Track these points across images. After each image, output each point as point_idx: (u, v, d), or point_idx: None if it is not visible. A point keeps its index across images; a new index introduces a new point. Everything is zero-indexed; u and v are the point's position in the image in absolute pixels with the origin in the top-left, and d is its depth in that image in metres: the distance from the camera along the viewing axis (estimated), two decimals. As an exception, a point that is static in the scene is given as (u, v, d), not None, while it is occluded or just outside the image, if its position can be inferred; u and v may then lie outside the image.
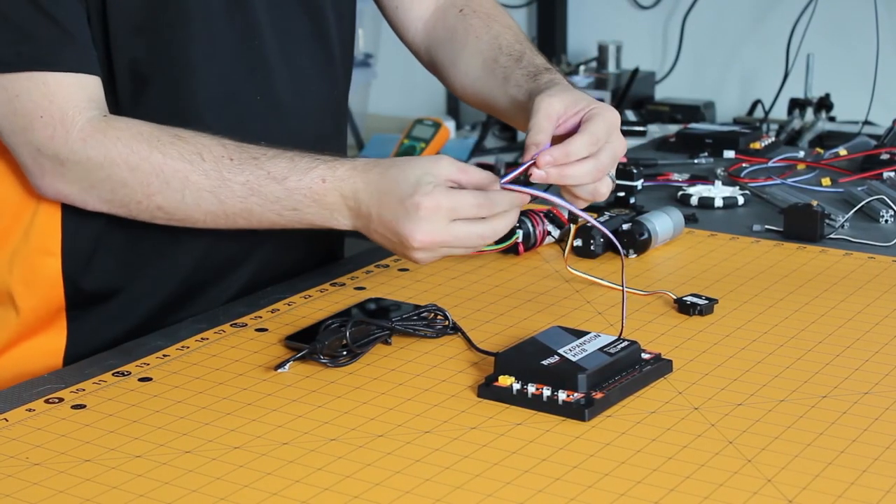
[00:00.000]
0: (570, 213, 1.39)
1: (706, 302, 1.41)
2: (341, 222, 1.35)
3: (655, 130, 2.58)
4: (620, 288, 1.36)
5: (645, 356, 1.27)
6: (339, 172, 1.33)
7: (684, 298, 1.42)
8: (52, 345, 1.46)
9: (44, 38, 1.34)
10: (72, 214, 1.43)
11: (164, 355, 1.33)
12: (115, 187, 1.35)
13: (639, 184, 1.78)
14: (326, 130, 1.55)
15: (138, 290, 1.47)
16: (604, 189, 1.36)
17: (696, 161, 2.04)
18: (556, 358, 1.22)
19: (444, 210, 1.28)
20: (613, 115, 1.37)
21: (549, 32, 3.10)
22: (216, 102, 1.44)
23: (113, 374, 1.28)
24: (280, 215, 1.35)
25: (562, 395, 1.18)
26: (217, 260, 1.50)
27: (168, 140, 1.35)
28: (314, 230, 1.47)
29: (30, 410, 1.21)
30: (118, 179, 1.35)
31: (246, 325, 1.40)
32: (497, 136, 2.85)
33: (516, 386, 1.20)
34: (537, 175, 1.31)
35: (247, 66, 1.47)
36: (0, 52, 1.34)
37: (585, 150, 1.33)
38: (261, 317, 1.43)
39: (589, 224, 1.32)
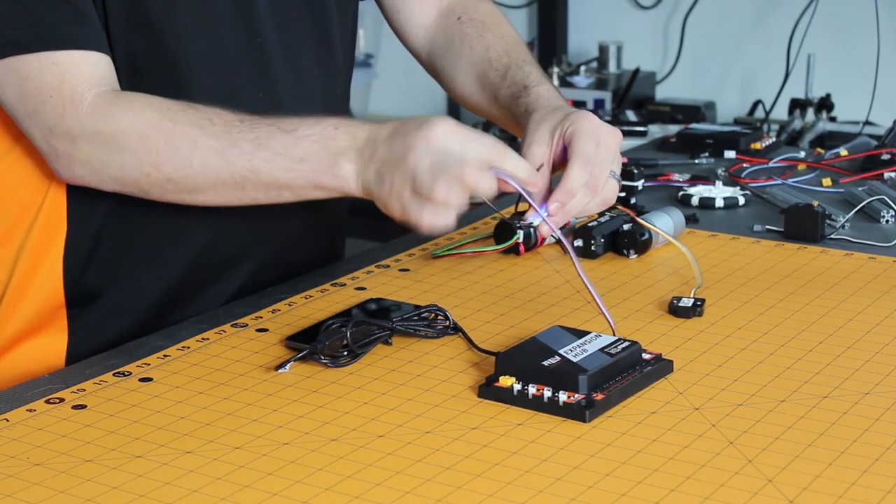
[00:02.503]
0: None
1: (690, 305, 1.40)
2: (344, 168, 1.30)
3: (656, 131, 2.59)
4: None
5: (646, 356, 1.26)
6: (354, 122, 1.33)
7: (673, 299, 1.41)
8: (53, 345, 1.46)
9: (55, 18, 1.34)
10: (74, 212, 1.43)
11: (165, 355, 1.33)
12: (124, 160, 1.34)
13: (639, 184, 1.78)
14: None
15: (139, 288, 1.47)
16: (610, 194, 1.37)
17: (696, 161, 2.04)
18: (557, 358, 1.22)
19: (457, 137, 1.26)
20: (589, 122, 1.36)
21: (550, 33, 3.10)
22: (217, 99, 1.44)
23: (113, 375, 1.28)
24: (286, 170, 1.31)
25: (562, 396, 1.18)
26: (217, 259, 1.50)
27: (179, 108, 1.34)
28: (315, 230, 1.47)
29: (30, 411, 1.21)
30: (128, 151, 1.34)
31: (247, 325, 1.40)
32: (497, 136, 2.85)
33: (517, 386, 1.20)
34: (545, 230, 1.33)
35: (250, 63, 1.47)
36: (12, 33, 1.33)
37: (584, 176, 1.34)
38: (261, 317, 1.43)
39: (558, 240, 1.34)
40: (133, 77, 1.40)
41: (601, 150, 1.35)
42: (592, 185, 1.35)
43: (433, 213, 1.27)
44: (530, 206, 1.33)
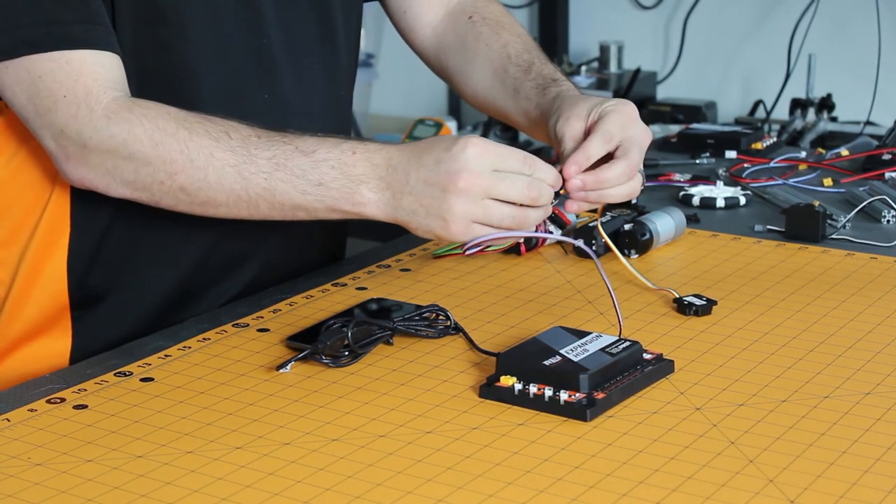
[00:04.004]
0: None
1: (704, 303, 1.41)
2: (366, 196, 1.30)
3: (657, 131, 2.58)
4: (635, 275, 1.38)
5: (646, 356, 1.27)
6: (369, 146, 1.32)
7: (683, 298, 1.42)
8: (58, 346, 1.46)
9: (69, 17, 1.33)
10: (78, 214, 1.43)
11: (166, 355, 1.33)
12: (137, 167, 1.33)
13: (640, 184, 1.78)
14: (331, 130, 1.55)
15: (143, 290, 1.47)
16: (637, 185, 1.39)
17: (697, 161, 2.04)
18: (558, 358, 1.22)
19: (491, 155, 1.27)
20: (627, 109, 1.40)
21: (551, 32, 3.10)
22: (222, 99, 1.44)
23: (115, 375, 1.29)
24: (304, 193, 1.31)
25: (563, 396, 1.18)
26: (219, 260, 1.50)
27: (195, 120, 1.33)
28: (316, 230, 1.47)
29: (32, 410, 1.21)
30: (141, 158, 1.33)
31: (248, 325, 1.40)
32: (498, 136, 2.86)
33: (518, 386, 1.20)
34: (574, 185, 1.34)
35: (255, 64, 1.46)
36: (24, 32, 1.32)
37: (602, 149, 1.36)
38: (262, 317, 1.43)
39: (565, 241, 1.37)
40: (139, 77, 1.40)
41: (633, 134, 1.38)
42: (632, 166, 1.36)
43: (464, 208, 1.28)
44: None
